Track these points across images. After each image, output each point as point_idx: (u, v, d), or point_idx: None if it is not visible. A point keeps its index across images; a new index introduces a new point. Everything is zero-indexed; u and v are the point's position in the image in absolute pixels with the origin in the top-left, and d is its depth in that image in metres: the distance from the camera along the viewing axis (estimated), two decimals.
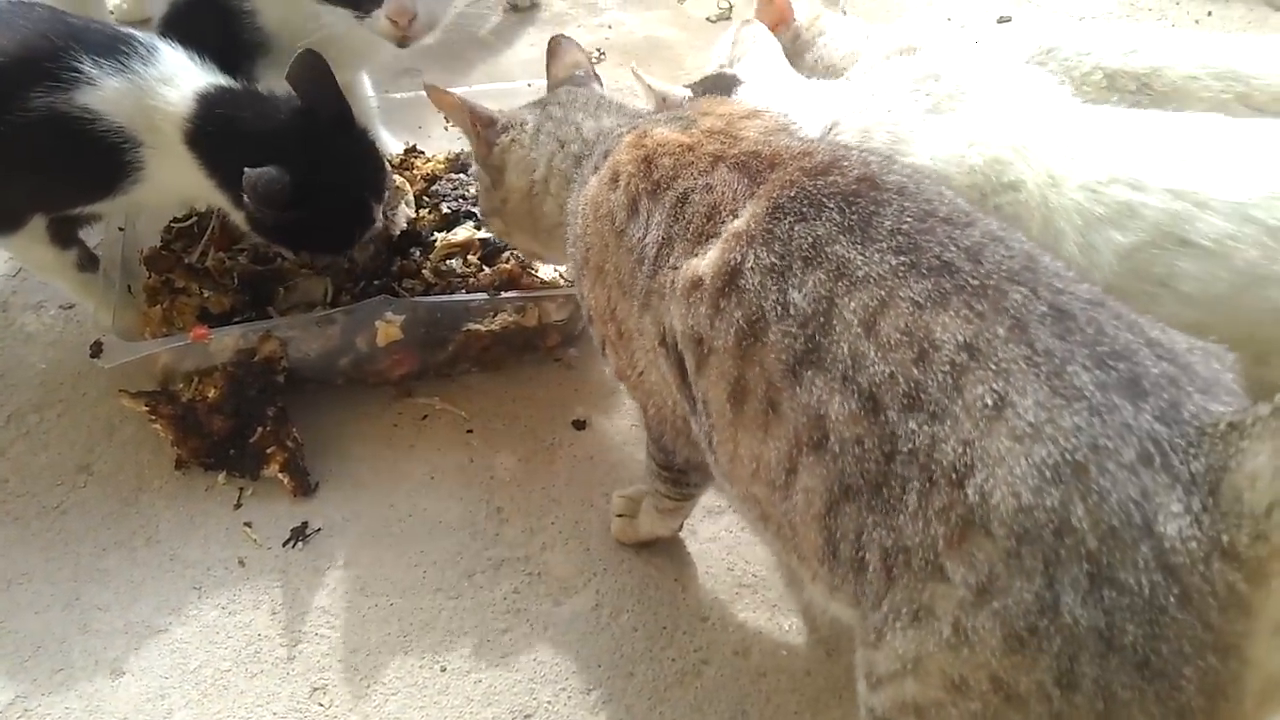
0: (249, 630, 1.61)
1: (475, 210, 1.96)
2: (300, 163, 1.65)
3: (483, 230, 1.94)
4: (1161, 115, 1.50)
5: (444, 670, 1.56)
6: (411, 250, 1.96)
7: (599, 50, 2.76)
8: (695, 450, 1.32)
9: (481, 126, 1.59)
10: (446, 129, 2.38)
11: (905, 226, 1.04)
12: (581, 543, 1.71)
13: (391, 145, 2.26)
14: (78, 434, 1.88)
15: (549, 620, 1.61)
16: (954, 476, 0.90)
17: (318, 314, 1.84)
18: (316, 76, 1.73)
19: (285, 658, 1.58)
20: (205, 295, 1.89)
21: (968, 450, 0.90)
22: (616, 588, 1.64)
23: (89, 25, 1.78)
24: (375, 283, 1.91)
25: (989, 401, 0.91)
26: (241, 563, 1.70)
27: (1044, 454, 0.87)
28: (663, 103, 1.76)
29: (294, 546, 1.71)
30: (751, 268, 1.09)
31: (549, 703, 1.52)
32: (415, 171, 2.14)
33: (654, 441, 1.47)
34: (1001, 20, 2.67)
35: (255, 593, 1.66)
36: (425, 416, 1.90)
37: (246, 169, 1.60)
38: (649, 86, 1.78)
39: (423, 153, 2.23)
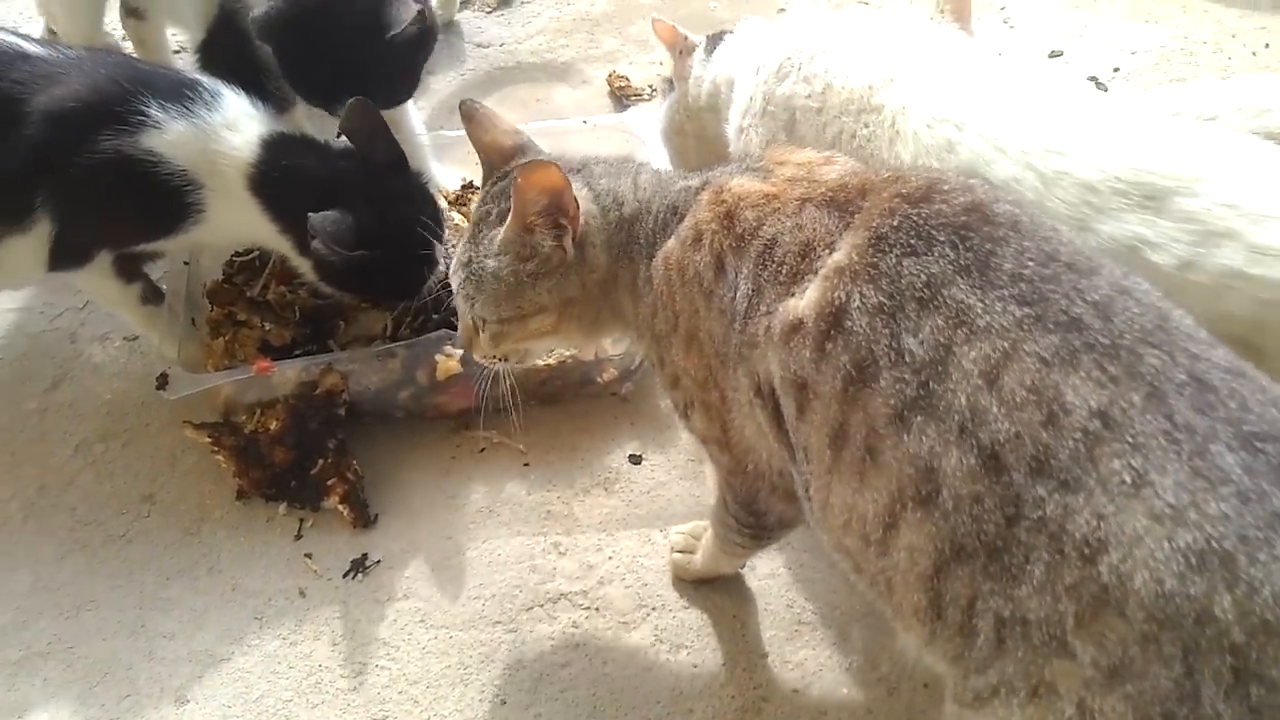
0: (310, 661, 1.63)
1: None
2: (365, 208, 1.69)
3: None
4: (1024, 74, 1.60)
5: (504, 703, 1.56)
6: None
7: (650, 86, 2.78)
8: (790, 505, 1.28)
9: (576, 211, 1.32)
10: None
11: (1027, 272, 0.98)
12: (639, 577, 1.71)
13: (447, 180, 2.29)
14: (142, 464, 1.92)
15: (608, 655, 1.61)
16: (1086, 551, 0.87)
17: (378, 348, 1.86)
18: (370, 124, 1.76)
19: (346, 689, 1.59)
20: (267, 328, 1.92)
21: (1101, 525, 0.86)
22: (675, 623, 1.64)
23: (156, 70, 1.83)
24: (434, 317, 1.92)
25: (1126, 479, 0.86)
26: (302, 593, 1.71)
27: (1189, 540, 0.83)
28: (684, 41, 1.96)
29: (354, 578, 1.73)
30: (859, 308, 1.02)
31: None
32: (472, 207, 2.16)
33: (743, 505, 1.39)
34: (1053, 55, 2.67)
35: (316, 624, 1.67)
36: (483, 450, 1.92)
37: (310, 214, 1.63)
38: (673, 28, 1.94)
39: (479, 188, 2.25)
